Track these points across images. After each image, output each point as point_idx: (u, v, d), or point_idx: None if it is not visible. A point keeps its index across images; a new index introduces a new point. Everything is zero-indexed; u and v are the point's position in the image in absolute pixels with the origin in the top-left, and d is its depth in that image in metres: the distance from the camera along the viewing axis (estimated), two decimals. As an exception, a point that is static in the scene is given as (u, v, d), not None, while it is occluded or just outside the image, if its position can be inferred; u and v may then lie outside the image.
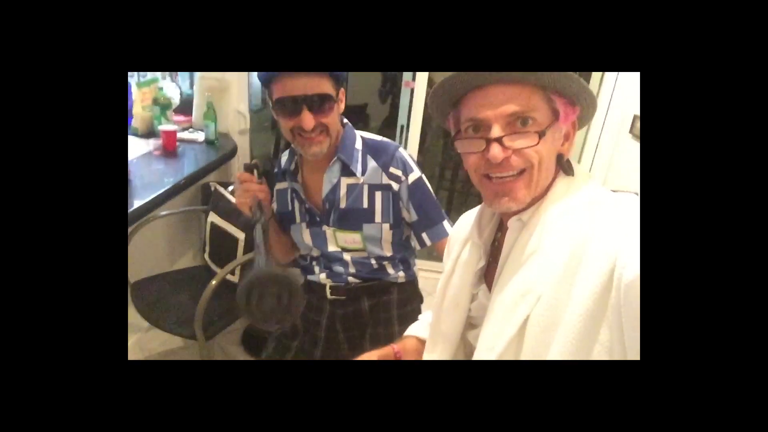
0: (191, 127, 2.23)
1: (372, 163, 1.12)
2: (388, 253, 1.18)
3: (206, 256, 1.80)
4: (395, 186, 1.12)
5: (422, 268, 1.34)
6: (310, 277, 1.25)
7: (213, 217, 1.72)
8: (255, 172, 1.09)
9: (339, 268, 1.20)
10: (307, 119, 0.99)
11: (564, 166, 0.64)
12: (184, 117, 2.22)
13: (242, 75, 2.29)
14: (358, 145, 1.13)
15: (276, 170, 1.22)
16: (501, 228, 0.71)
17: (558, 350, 0.55)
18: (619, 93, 2.20)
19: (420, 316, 0.97)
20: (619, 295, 0.50)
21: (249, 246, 1.65)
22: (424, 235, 1.15)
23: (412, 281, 1.27)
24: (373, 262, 1.19)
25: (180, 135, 2.04)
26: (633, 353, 0.48)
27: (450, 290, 0.75)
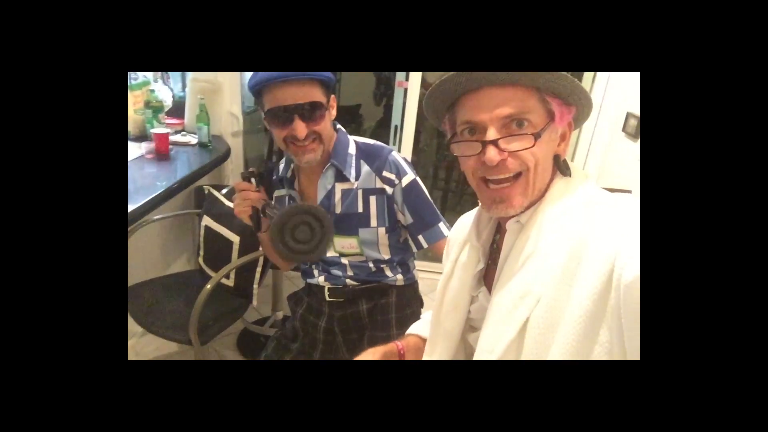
0: (184, 130, 2.21)
1: (365, 168, 1.12)
2: (386, 256, 1.18)
3: (200, 260, 1.78)
4: (389, 190, 1.12)
5: (421, 269, 1.34)
6: (310, 281, 1.25)
7: (207, 221, 1.71)
8: (253, 180, 1.08)
9: (337, 272, 1.20)
10: (300, 128, 0.99)
11: (561, 167, 0.64)
12: (176, 120, 2.21)
13: (234, 77, 2.27)
14: (352, 150, 1.14)
15: (274, 177, 1.22)
16: (500, 230, 0.71)
17: (558, 351, 0.55)
18: (611, 91, 2.21)
19: (422, 315, 0.97)
20: (618, 296, 0.50)
21: (244, 249, 1.64)
22: (420, 238, 1.15)
23: (411, 284, 1.28)
24: (370, 265, 1.19)
25: (172, 138, 2.02)
26: (633, 354, 0.48)
27: (449, 292, 0.75)
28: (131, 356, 1.96)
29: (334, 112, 1.08)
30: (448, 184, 3.49)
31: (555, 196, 0.62)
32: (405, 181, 1.12)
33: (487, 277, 0.72)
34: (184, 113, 2.23)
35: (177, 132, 2.16)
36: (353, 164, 1.12)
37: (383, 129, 3.40)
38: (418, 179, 1.14)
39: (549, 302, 0.57)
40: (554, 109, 0.60)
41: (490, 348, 0.62)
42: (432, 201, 1.16)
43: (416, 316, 1.25)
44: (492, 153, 0.58)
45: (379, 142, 1.17)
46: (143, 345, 2.00)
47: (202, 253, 1.76)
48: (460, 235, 0.77)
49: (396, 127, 2.52)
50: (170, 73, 2.32)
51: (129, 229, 1.66)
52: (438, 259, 1.15)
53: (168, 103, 2.22)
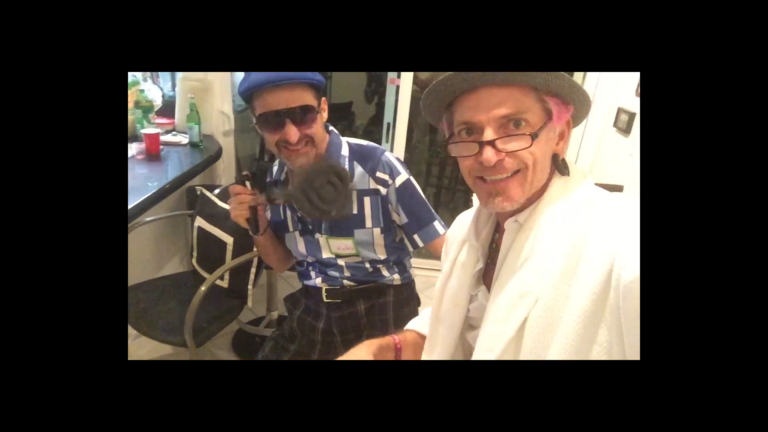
0: (174, 130, 2.19)
1: (359, 169, 1.12)
2: (382, 256, 1.18)
3: (194, 261, 1.77)
4: (383, 190, 1.12)
5: (417, 266, 1.34)
6: (307, 282, 1.25)
7: (200, 222, 1.70)
8: (247, 183, 1.08)
9: (334, 273, 1.20)
10: (292, 132, 0.99)
11: (559, 166, 0.64)
12: (166, 119, 2.18)
13: (224, 75, 2.25)
14: (344, 151, 1.13)
15: (268, 179, 1.21)
16: (498, 229, 0.71)
17: (557, 351, 0.55)
18: (602, 86, 2.22)
19: (421, 312, 0.97)
20: (617, 296, 0.50)
21: (238, 250, 1.63)
22: (416, 237, 1.15)
23: (408, 284, 1.28)
24: (367, 265, 1.19)
25: (163, 138, 2.00)
26: (632, 353, 0.49)
27: (448, 291, 0.75)
28: (125, 359, 1.95)
29: (325, 115, 1.08)
30: (441, 181, 3.50)
31: (553, 195, 0.62)
32: (399, 181, 1.12)
33: (487, 276, 0.72)
34: (174, 113, 2.21)
35: (167, 132, 2.14)
36: (346, 166, 1.12)
37: (375, 126, 3.39)
38: (412, 179, 1.14)
39: (548, 302, 0.57)
40: (552, 108, 0.60)
41: (488, 347, 0.62)
42: (426, 200, 1.16)
43: (414, 315, 1.25)
44: (489, 153, 0.58)
45: (371, 143, 1.17)
46: (137, 348, 1.98)
47: (195, 254, 1.75)
48: (459, 233, 0.76)
49: (388, 124, 2.51)
50: (160, 73, 2.29)
51: (120, 231, 1.64)
52: (434, 257, 1.15)
53: (158, 102, 2.19)
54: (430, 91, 0.63)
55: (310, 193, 0.87)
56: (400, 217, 1.14)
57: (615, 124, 2.10)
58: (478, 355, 0.64)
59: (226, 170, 2.38)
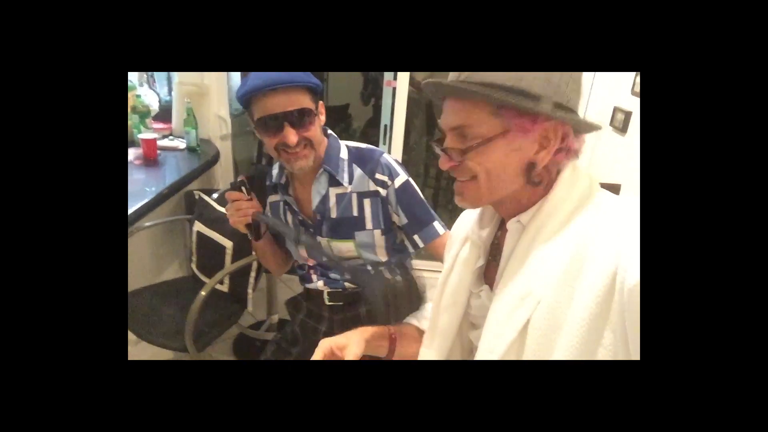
0: (171, 135, 2.19)
1: (358, 171, 1.13)
2: (383, 258, 1.18)
3: (193, 266, 1.76)
4: (383, 192, 1.12)
5: (419, 267, 1.33)
6: (309, 286, 1.25)
7: (198, 226, 1.69)
8: (243, 189, 1.07)
9: (335, 275, 1.20)
10: (290, 135, 1.00)
11: (529, 176, 0.61)
12: (163, 124, 2.18)
13: (221, 79, 2.25)
14: (343, 154, 1.14)
15: (268, 183, 1.21)
16: (502, 227, 0.71)
17: (561, 353, 0.55)
18: (598, 86, 2.23)
19: (422, 307, 0.97)
20: (622, 299, 0.50)
21: (237, 254, 1.63)
22: (416, 238, 1.16)
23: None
24: (369, 268, 1.18)
25: (160, 143, 2.00)
26: (636, 356, 0.49)
27: (448, 287, 0.76)
28: (125, 365, 1.94)
29: (323, 118, 1.09)
30: (439, 182, 3.50)
31: (558, 197, 0.62)
32: (398, 182, 1.12)
33: (488, 274, 0.72)
34: (171, 117, 2.20)
35: (164, 137, 2.14)
36: (346, 169, 1.13)
37: (372, 128, 3.39)
38: (411, 180, 1.15)
39: (550, 304, 0.57)
40: (509, 121, 0.59)
41: (490, 348, 0.62)
42: (425, 201, 1.17)
43: None
44: (442, 160, 0.64)
45: (370, 146, 1.18)
46: (138, 354, 1.97)
47: (194, 259, 1.75)
48: (462, 230, 0.77)
49: (385, 126, 2.51)
50: (156, 77, 2.29)
51: (119, 237, 1.63)
52: (434, 258, 1.15)
53: (154, 107, 2.19)
54: (424, 88, 0.66)
55: (390, 307, 0.91)
56: (400, 218, 1.14)
57: (611, 123, 2.10)
58: (480, 356, 0.64)
59: (224, 174, 2.38)
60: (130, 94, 2.08)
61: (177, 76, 2.18)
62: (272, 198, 1.22)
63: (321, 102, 1.07)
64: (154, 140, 1.89)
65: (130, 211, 1.42)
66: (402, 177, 1.13)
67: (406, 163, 1.19)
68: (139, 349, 1.97)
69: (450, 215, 1.14)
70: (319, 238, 1.17)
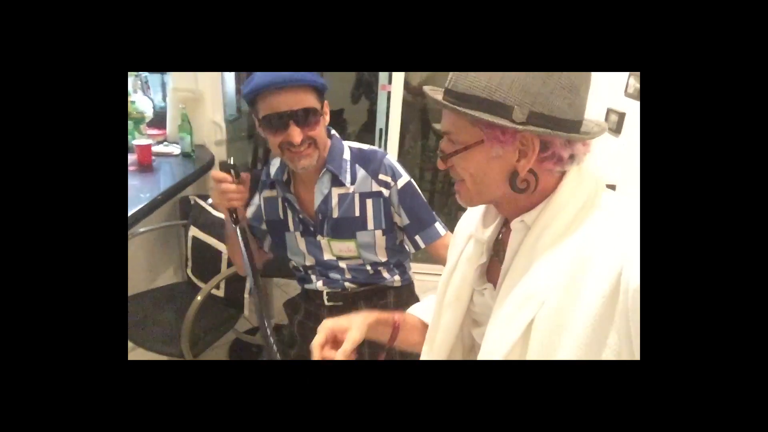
0: (166, 140, 2.18)
1: (361, 172, 1.14)
2: (383, 259, 1.19)
3: (189, 271, 1.76)
4: (385, 192, 1.13)
5: (418, 271, 1.33)
6: (308, 286, 1.25)
7: (194, 231, 1.69)
8: (232, 172, 1.05)
9: (335, 275, 1.20)
10: (295, 133, 1.00)
11: (513, 182, 0.62)
12: (158, 130, 2.17)
13: (216, 85, 2.25)
14: (346, 155, 1.15)
15: (263, 179, 1.21)
16: (506, 225, 0.71)
17: (565, 354, 0.56)
18: (592, 86, 2.24)
19: (424, 299, 0.96)
20: (626, 300, 0.51)
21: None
22: (417, 238, 1.16)
23: (408, 285, 1.29)
24: (368, 268, 1.19)
25: (155, 149, 1.99)
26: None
27: (452, 284, 0.76)
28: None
29: (327, 118, 1.09)
30: (434, 185, 3.52)
31: (563, 198, 0.62)
32: (400, 183, 1.13)
33: (491, 273, 0.73)
34: (165, 123, 2.20)
35: (159, 143, 2.13)
36: (348, 169, 1.13)
37: (367, 133, 3.39)
38: (413, 181, 1.16)
39: (555, 305, 0.57)
40: (484, 130, 0.60)
41: (493, 348, 0.63)
42: (427, 202, 1.17)
43: None
44: (438, 161, 0.67)
45: (372, 147, 1.19)
46: (133, 359, 1.96)
47: (190, 264, 1.74)
48: (467, 228, 0.78)
49: (381, 130, 2.52)
50: (150, 84, 2.29)
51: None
52: (433, 260, 1.16)
53: (149, 113, 2.19)
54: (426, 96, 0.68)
55: None
56: (402, 219, 1.15)
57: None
58: (483, 356, 0.64)
59: (219, 180, 2.38)
60: (124, 100, 2.07)
61: (171, 82, 2.18)
62: (268, 194, 1.21)
63: (326, 102, 1.08)
64: (149, 146, 1.88)
65: (124, 216, 1.42)
66: (404, 178, 1.14)
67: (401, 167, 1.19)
68: (135, 356, 1.96)
69: (446, 219, 1.14)
70: (319, 238, 1.17)
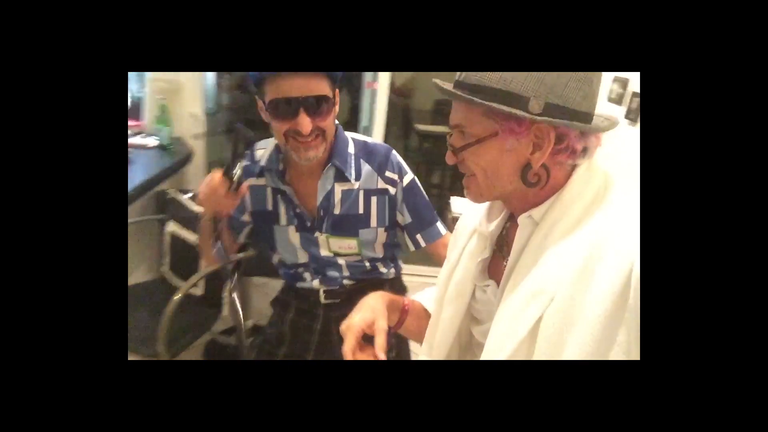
0: (142, 132, 2.09)
1: (366, 167, 1.09)
2: (381, 254, 1.16)
3: (164, 268, 1.69)
4: (391, 190, 1.10)
5: (411, 272, 1.32)
6: (300, 285, 1.19)
7: (172, 227, 1.62)
8: (234, 181, 0.96)
9: (333, 273, 1.16)
10: (305, 123, 0.93)
11: (526, 176, 0.61)
12: (134, 121, 2.09)
13: (195, 76, 2.18)
14: (351, 148, 1.09)
15: (248, 163, 1.11)
16: (512, 220, 0.70)
17: (574, 351, 0.55)
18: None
19: (425, 289, 0.94)
20: (636, 296, 0.50)
21: (213, 256, 1.56)
22: (418, 237, 1.14)
23: (399, 277, 1.27)
24: (366, 264, 1.16)
25: (130, 140, 1.91)
26: None
27: (454, 280, 0.75)
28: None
29: (337, 108, 1.02)
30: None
31: (573, 193, 0.61)
32: (406, 180, 1.10)
33: (494, 269, 0.71)
34: (141, 114, 2.12)
35: (135, 134, 2.05)
36: (353, 164, 1.08)
37: (350, 130, 3.36)
38: (416, 178, 1.13)
39: (564, 301, 0.56)
40: (498, 123, 0.59)
41: (499, 347, 0.61)
42: (429, 201, 1.15)
43: None
44: (447, 155, 0.65)
45: (376, 141, 1.15)
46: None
47: (167, 260, 1.67)
48: (470, 223, 0.76)
49: (365, 129, 2.49)
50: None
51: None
52: (428, 261, 1.15)
53: (124, 103, 2.10)
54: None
55: None
56: (404, 217, 1.12)
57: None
58: (487, 355, 0.63)
59: (196, 174, 2.30)
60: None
61: (149, 72, 2.10)
62: (254, 182, 1.11)
63: (337, 90, 1.00)
64: (124, 137, 1.80)
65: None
66: (410, 175, 1.11)
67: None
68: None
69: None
70: (317, 234, 1.11)
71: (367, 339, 0.74)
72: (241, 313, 1.47)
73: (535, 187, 0.61)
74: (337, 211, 1.09)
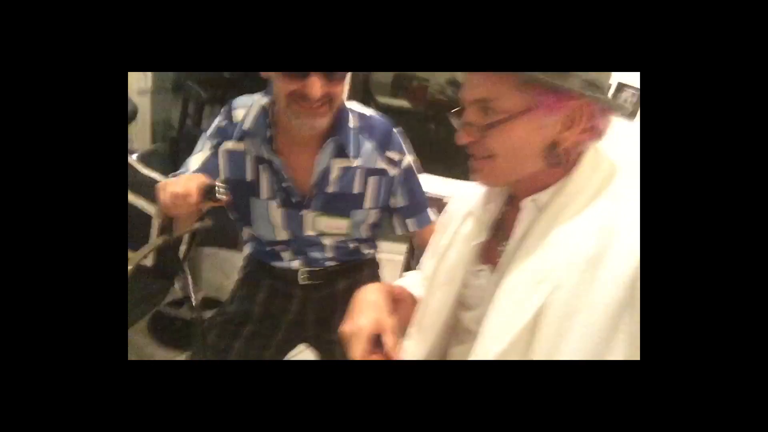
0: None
1: (366, 145, 1.01)
2: (365, 235, 1.12)
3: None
4: (391, 171, 1.03)
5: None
6: (278, 264, 1.11)
7: (118, 191, 1.48)
8: (219, 196, 0.82)
9: (315, 254, 1.09)
10: (315, 86, 0.83)
11: (550, 156, 0.59)
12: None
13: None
14: (352, 122, 1.00)
15: (223, 124, 1.00)
16: (512, 204, 0.68)
17: (577, 340, 0.55)
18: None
19: (408, 275, 0.92)
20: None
21: (165, 224, 1.45)
22: (409, 222, 1.09)
23: (374, 257, 1.23)
24: (350, 245, 1.11)
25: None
26: None
27: (445, 264, 0.72)
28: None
29: (349, 76, 0.95)
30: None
31: (582, 178, 0.60)
32: (406, 161, 1.04)
33: (488, 254, 0.69)
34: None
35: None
36: (353, 139, 0.99)
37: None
38: (415, 159, 1.08)
39: (569, 289, 0.56)
40: (533, 97, 0.56)
41: (496, 334, 0.60)
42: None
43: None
44: (460, 134, 0.60)
45: (374, 114, 1.05)
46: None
47: (112, 228, 1.53)
48: (463, 206, 0.74)
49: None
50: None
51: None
52: (392, 236, 1.12)
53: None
54: None
55: None
56: (397, 200, 1.07)
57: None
58: (484, 343, 0.61)
59: (139, 134, 2.12)
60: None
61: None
62: (232, 146, 0.99)
63: None
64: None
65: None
66: (409, 155, 1.05)
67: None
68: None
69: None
70: (304, 212, 1.03)
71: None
72: (192, 286, 1.39)
73: (558, 167, 0.60)
74: (331, 189, 1.01)
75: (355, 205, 1.04)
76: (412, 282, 0.85)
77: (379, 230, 1.19)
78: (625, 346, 0.53)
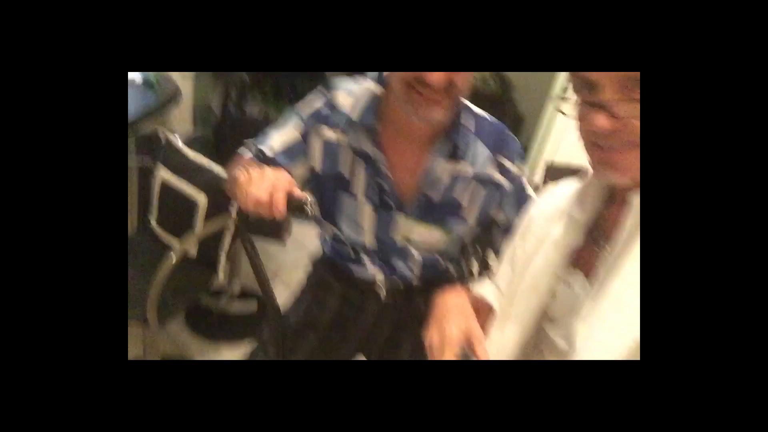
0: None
1: (482, 150, 0.87)
2: (456, 253, 0.99)
3: (152, 221, 1.47)
4: (506, 185, 0.89)
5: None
6: (355, 269, 0.98)
7: (164, 174, 1.40)
8: (302, 211, 0.72)
9: (400, 264, 0.95)
10: (437, 73, 0.72)
11: None
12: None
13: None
14: (469, 122, 0.87)
15: (323, 109, 0.88)
16: (614, 202, 0.58)
17: None
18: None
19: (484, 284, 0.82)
20: None
21: (211, 211, 1.36)
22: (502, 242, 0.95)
23: (467, 281, 1.09)
24: (442, 263, 0.98)
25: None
26: None
27: (531, 270, 0.64)
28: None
29: None
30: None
31: None
32: (520, 173, 0.92)
33: (583, 260, 0.60)
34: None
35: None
36: (470, 143, 0.87)
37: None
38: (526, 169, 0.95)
39: None
40: None
41: (604, 347, 0.50)
42: None
43: None
44: (599, 118, 0.48)
45: (490, 116, 0.92)
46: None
47: (156, 213, 1.45)
48: (552, 208, 0.65)
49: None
50: None
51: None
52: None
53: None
54: None
55: None
56: (502, 218, 0.93)
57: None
58: (587, 354, 0.51)
59: (179, 117, 2.05)
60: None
61: None
62: (331, 136, 0.87)
63: None
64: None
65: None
66: (524, 166, 0.92)
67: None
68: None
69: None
70: (398, 215, 0.90)
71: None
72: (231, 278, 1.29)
73: None
74: (435, 194, 0.88)
75: (457, 216, 0.91)
76: (487, 291, 0.75)
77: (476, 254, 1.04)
78: None
